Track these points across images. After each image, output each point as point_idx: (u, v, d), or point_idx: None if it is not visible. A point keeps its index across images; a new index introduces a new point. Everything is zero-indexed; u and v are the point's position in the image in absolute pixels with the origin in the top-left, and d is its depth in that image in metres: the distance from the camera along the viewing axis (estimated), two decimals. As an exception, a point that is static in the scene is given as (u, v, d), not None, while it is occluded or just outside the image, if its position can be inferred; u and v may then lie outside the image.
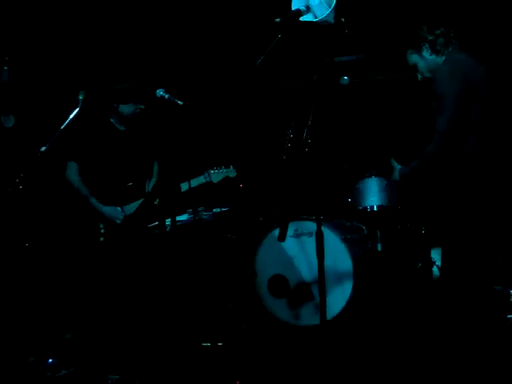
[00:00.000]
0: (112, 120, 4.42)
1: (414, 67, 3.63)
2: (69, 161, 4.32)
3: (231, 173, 4.49)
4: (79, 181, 4.28)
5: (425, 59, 3.54)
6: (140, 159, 4.46)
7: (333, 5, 2.82)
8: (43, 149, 3.73)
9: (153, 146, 4.51)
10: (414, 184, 4.32)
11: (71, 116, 3.82)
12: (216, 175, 4.44)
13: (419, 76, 3.64)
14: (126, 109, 4.36)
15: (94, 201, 4.27)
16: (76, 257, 4.44)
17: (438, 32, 3.50)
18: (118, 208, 4.32)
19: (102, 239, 4.25)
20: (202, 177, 4.43)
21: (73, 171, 4.30)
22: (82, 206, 4.30)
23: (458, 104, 3.36)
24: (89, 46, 5.23)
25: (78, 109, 3.85)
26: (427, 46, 3.51)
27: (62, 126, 3.81)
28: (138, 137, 4.49)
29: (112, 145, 4.36)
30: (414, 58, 3.59)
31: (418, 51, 3.55)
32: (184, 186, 4.25)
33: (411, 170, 3.63)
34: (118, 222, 4.28)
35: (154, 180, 4.54)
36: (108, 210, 4.28)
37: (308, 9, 2.83)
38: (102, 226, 4.27)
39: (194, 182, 4.37)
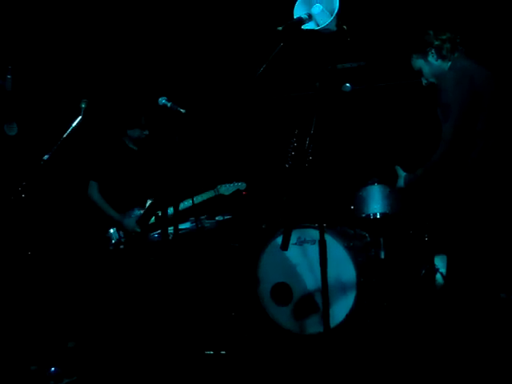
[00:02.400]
0: (125, 140, 4.69)
1: (419, 72, 3.62)
2: (90, 180, 4.57)
3: (241, 186, 4.70)
4: (101, 199, 4.54)
5: (430, 64, 3.53)
6: (155, 176, 4.65)
7: (335, 13, 2.81)
8: (46, 157, 3.75)
9: (162, 161, 4.67)
10: (417, 191, 4.31)
11: (73, 124, 3.84)
12: (227, 189, 4.64)
13: (424, 81, 3.62)
14: (132, 133, 4.64)
15: (117, 216, 4.50)
16: (78, 266, 4.45)
17: (444, 37, 3.48)
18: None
19: (121, 247, 4.46)
20: (212, 191, 4.64)
21: (94, 190, 4.55)
22: (97, 216, 4.52)
23: (463, 112, 3.35)
24: (92, 54, 5.24)
25: (80, 117, 3.87)
26: (433, 51, 3.50)
27: (65, 135, 3.82)
28: (150, 155, 4.74)
29: (128, 164, 4.62)
30: (419, 62, 3.58)
31: (424, 56, 3.54)
32: (195, 200, 4.46)
33: (417, 178, 3.61)
34: (138, 230, 4.48)
35: None
36: (127, 221, 4.48)
37: (310, 17, 2.83)
38: (122, 234, 4.50)
39: (205, 196, 4.58)
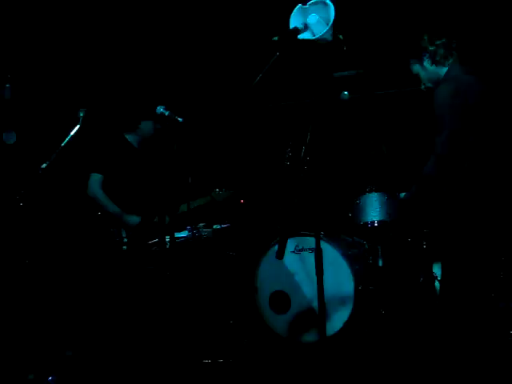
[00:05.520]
0: (129, 138, 4.55)
1: (417, 77, 3.63)
2: (92, 172, 4.39)
3: (232, 193, 4.65)
4: (102, 193, 4.35)
5: (426, 69, 3.54)
6: (154, 177, 4.56)
7: (331, 22, 2.82)
8: (44, 165, 3.75)
9: (163, 165, 4.59)
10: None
11: (72, 133, 3.85)
12: (220, 195, 4.59)
13: (422, 85, 3.63)
14: (145, 126, 4.49)
15: (118, 211, 4.35)
16: (75, 274, 4.44)
17: (438, 42, 3.48)
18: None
19: (124, 248, 4.32)
20: (208, 197, 4.59)
21: (96, 183, 4.36)
22: (99, 216, 4.37)
23: (456, 126, 3.35)
24: (90, 62, 5.26)
25: (78, 126, 3.87)
26: (428, 56, 3.50)
27: (63, 143, 3.83)
28: (151, 156, 4.62)
29: (130, 161, 4.49)
30: (416, 67, 3.59)
31: (420, 61, 3.54)
32: (191, 205, 4.37)
33: (412, 194, 3.63)
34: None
35: None
36: (133, 218, 4.38)
37: (306, 27, 2.84)
38: (124, 234, 4.35)
39: (200, 201, 4.50)
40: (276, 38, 2.73)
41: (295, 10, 2.88)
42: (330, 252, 4.41)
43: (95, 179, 4.38)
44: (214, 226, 4.70)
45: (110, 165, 4.40)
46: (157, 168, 4.61)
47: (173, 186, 4.09)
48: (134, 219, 4.38)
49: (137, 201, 4.50)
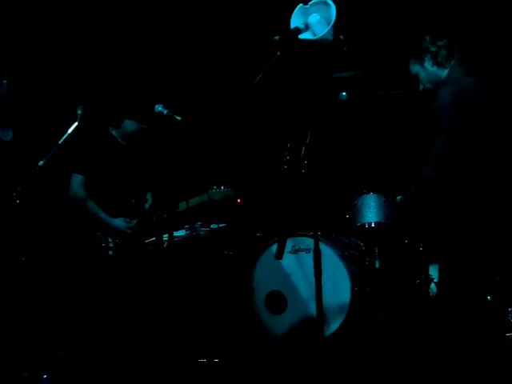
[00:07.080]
0: (114, 134, 4.45)
1: (416, 77, 3.62)
2: (74, 173, 4.31)
3: (231, 191, 4.59)
4: (85, 194, 4.27)
5: (426, 70, 3.53)
6: (142, 175, 4.50)
7: (332, 22, 2.82)
8: (41, 163, 3.73)
9: (153, 162, 4.53)
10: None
11: (69, 130, 3.83)
12: (218, 193, 4.53)
13: (421, 86, 3.63)
14: (129, 125, 4.41)
15: (102, 214, 4.28)
16: (71, 272, 4.43)
17: (440, 43, 3.48)
18: (127, 219, 4.36)
19: (110, 253, 4.26)
20: (205, 195, 4.53)
21: (78, 184, 4.28)
22: (86, 219, 4.30)
23: (456, 127, 3.35)
24: (88, 59, 5.25)
25: (76, 123, 3.86)
26: (429, 57, 3.49)
27: (61, 141, 3.81)
28: (139, 153, 4.54)
29: (115, 159, 4.39)
30: (415, 68, 3.58)
31: (420, 62, 3.53)
32: (185, 205, 4.27)
33: (411, 195, 3.63)
34: (128, 232, 4.31)
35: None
36: (117, 222, 4.30)
37: (307, 27, 2.83)
38: (110, 239, 4.29)
39: (196, 200, 4.45)
40: (277, 38, 2.72)
41: (296, 9, 2.87)
42: (326, 253, 4.39)
43: (76, 180, 4.29)
44: (212, 226, 4.70)
45: (94, 163, 4.30)
46: (145, 163, 4.53)
47: (169, 185, 4.07)
48: (118, 222, 4.30)
49: (124, 199, 4.41)
